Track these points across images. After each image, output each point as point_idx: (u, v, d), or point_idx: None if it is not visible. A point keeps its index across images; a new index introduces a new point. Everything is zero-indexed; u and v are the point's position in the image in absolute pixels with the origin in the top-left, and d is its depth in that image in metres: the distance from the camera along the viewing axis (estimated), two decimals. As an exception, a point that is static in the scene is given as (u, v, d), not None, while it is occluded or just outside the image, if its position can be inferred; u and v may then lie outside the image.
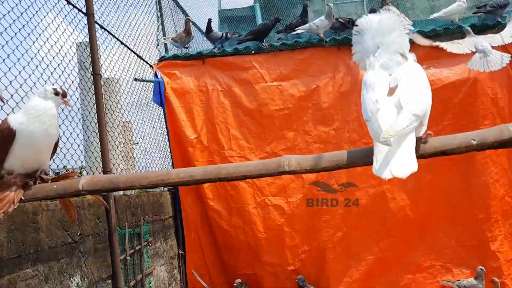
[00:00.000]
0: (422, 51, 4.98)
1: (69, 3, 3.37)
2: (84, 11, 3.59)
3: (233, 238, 5.04)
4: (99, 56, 3.71)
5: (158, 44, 5.56)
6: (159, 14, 5.72)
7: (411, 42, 4.91)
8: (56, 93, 1.92)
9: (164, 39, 5.51)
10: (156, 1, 5.70)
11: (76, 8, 3.50)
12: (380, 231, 4.91)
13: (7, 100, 2.65)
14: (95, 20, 3.60)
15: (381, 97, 1.62)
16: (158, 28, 5.61)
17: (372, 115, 1.60)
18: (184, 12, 6.92)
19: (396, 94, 1.61)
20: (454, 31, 4.93)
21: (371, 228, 4.93)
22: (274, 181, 5.03)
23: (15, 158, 1.84)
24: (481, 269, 4.59)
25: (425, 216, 4.83)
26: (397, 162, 1.54)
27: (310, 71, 5.05)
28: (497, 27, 4.80)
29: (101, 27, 3.83)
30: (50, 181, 1.83)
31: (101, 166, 3.64)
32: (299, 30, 5.06)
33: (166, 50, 5.65)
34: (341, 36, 5.08)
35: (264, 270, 5.02)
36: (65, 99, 1.94)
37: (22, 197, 1.75)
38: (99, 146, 3.68)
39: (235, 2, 10.80)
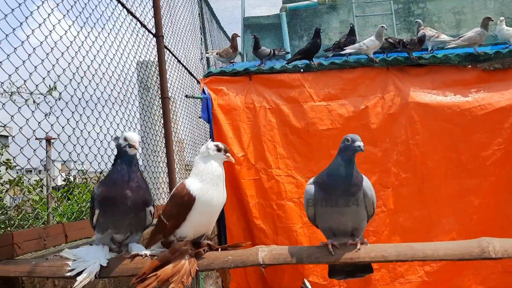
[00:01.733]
0: (472, 74, 4.99)
1: (142, 25, 3.31)
2: (153, 32, 3.53)
3: (278, 258, 5.00)
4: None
5: (201, 58, 5.50)
6: (201, 27, 5.65)
7: (463, 65, 4.91)
8: (219, 149, 1.88)
9: (208, 53, 5.45)
10: (199, 13, 5.64)
11: (147, 29, 3.44)
12: (426, 254, 4.89)
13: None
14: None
15: None
16: (201, 41, 5.55)
17: None
18: (218, 23, 6.87)
19: None
20: (505, 55, 4.90)
21: (417, 250, 4.91)
22: (321, 201, 5.00)
23: (189, 224, 1.80)
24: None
25: (473, 241, 4.81)
26: None
27: (359, 91, 5.02)
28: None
29: (166, 48, 3.77)
30: (219, 249, 1.79)
31: (167, 189, 3.59)
32: (348, 49, 5.04)
33: (208, 64, 5.60)
34: (391, 56, 5.06)
35: (309, 290, 5.00)
36: (227, 154, 1.89)
37: (197, 268, 1.71)
38: (162, 167, 3.64)
39: (255, 9, 10.71)
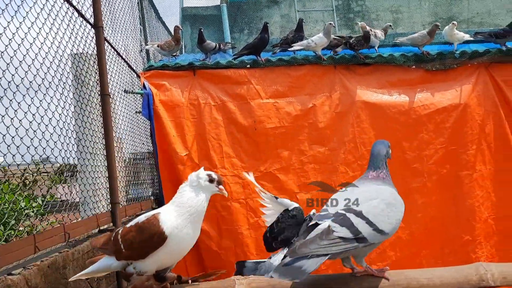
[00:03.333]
0: (416, 74, 5.06)
1: (80, 14, 2.96)
2: (92, 22, 3.18)
3: (223, 261, 4.80)
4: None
5: (141, 50, 5.15)
6: (140, 16, 5.29)
7: (408, 65, 4.93)
8: (211, 180, 1.62)
9: (148, 45, 5.10)
10: (138, 2, 5.27)
11: (84, 18, 3.08)
12: (371, 254, 4.89)
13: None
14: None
15: None
16: (141, 32, 5.19)
17: None
18: (157, 13, 6.51)
19: None
20: (446, 56, 4.98)
21: (363, 250, 4.91)
22: (268, 202, 4.86)
23: (153, 261, 1.54)
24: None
25: (416, 239, 4.88)
26: None
27: (307, 89, 4.92)
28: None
29: (106, 40, 3.42)
30: (189, 281, 1.54)
31: (107, 196, 3.27)
32: (296, 46, 4.89)
33: (148, 57, 5.26)
34: (338, 54, 4.99)
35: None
36: (220, 186, 1.64)
37: (166, 307, 1.46)
38: (102, 171, 3.31)
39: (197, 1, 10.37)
